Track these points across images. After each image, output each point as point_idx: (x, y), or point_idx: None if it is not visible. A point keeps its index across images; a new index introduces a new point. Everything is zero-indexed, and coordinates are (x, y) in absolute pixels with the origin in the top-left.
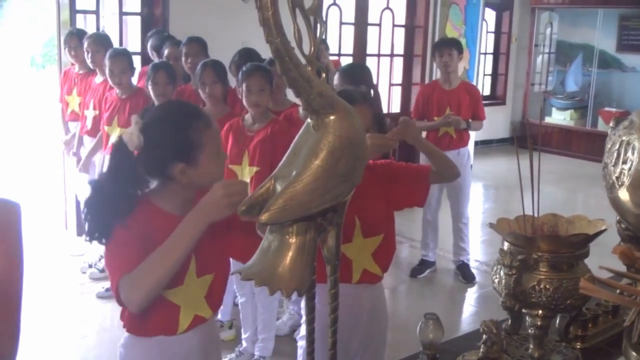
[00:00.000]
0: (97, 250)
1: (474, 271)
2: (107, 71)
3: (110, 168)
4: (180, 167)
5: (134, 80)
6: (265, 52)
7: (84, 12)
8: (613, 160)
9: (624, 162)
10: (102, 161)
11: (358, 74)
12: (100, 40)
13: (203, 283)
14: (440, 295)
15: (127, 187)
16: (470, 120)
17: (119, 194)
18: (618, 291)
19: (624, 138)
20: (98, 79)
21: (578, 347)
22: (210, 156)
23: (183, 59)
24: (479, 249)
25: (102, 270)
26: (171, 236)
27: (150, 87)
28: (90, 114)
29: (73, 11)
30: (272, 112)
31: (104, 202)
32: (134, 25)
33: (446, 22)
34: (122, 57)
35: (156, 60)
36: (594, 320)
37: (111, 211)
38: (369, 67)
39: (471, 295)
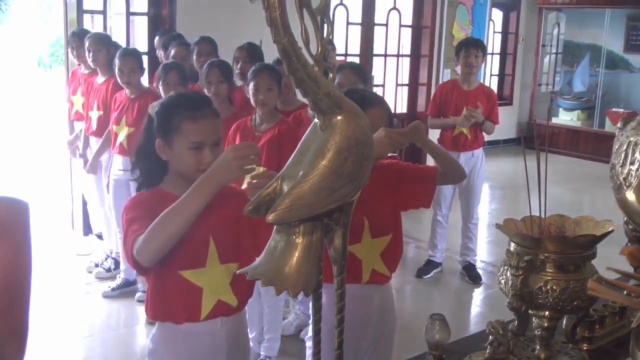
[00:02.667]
0: (103, 249)
1: (480, 272)
2: (116, 70)
3: (140, 138)
4: (159, 141)
5: (145, 82)
6: (270, 52)
7: (92, 12)
8: (620, 161)
9: (632, 163)
10: (109, 161)
11: (366, 72)
12: (102, 40)
13: (227, 270)
14: (447, 295)
15: (152, 158)
16: (485, 120)
17: (149, 161)
18: (625, 292)
19: (631, 139)
20: (100, 78)
21: (585, 348)
22: (183, 145)
23: (195, 58)
24: (485, 250)
25: (108, 270)
26: (184, 195)
27: (161, 88)
28: (94, 114)
29: (80, 11)
30: (283, 111)
31: (145, 160)
32: (141, 26)
33: (453, 22)
34: (132, 56)
35: (163, 59)
36: (601, 322)
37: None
38: None
39: (477, 296)
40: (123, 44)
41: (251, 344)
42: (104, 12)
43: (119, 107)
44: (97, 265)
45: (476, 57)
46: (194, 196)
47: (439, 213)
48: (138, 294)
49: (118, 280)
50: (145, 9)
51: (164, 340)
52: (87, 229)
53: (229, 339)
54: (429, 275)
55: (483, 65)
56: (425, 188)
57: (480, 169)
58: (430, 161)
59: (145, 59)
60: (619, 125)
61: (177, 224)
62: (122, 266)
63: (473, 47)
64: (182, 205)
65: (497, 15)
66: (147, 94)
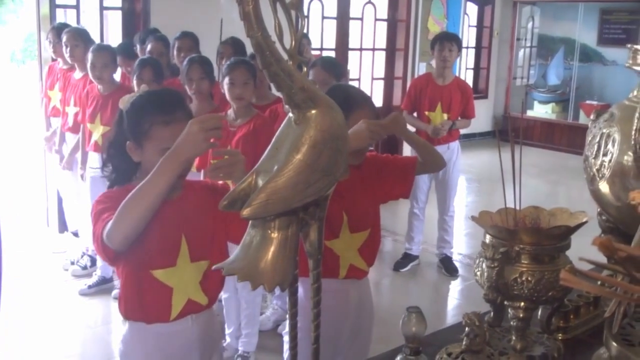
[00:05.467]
0: (79, 247)
1: (457, 264)
2: (88, 65)
3: (111, 134)
4: (130, 144)
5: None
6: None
7: (64, 6)
8: (594, 153)
9: (605, 155)
10: (84, 158)
11: (339, 67)
12: (80, 35)
13: (197, 268)
14: (424, 288)
15: (124, 154)
16: (456, 121)
17: (122, 157)
18: (599, 282)
19: (604, 130)
20: (77, 74)
21: (560, 338)
22: (155, 150)
23: (175, 53)
24: (461, 242)
25: (84, 267)
26: (151, 174)
27: (135, 82)
28: (71, 110)
29: (53, 6)
30: (257, 106)
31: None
32: (114, 20)
33: (428, 16)
34: (106, 51)
35: (139, 54)
36: (576, 312)
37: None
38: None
39: (454, 288)
40: (97, 39)
41: (229, 339)
42: (77, 7)
43: (91, 104)
44: (73, 263)
45: (450, 51)
46: (162, 174)
47: (415, 206)
48: (114, 292)
49: (94, 278)
50: (119, 4)
51: (134, 341)
52: (63, 226)
53: (201, 336)
54: (406, 269)
55: (458, 59)
56: (404, 178)
57: (456, 162)
58: (407, 151)
59: None
60: (591, 117)
61: (145, 204)
62: (99, 263)
63: (447, 41)
64: (150, 184)
65: (472, 9)
66: (121, 90)
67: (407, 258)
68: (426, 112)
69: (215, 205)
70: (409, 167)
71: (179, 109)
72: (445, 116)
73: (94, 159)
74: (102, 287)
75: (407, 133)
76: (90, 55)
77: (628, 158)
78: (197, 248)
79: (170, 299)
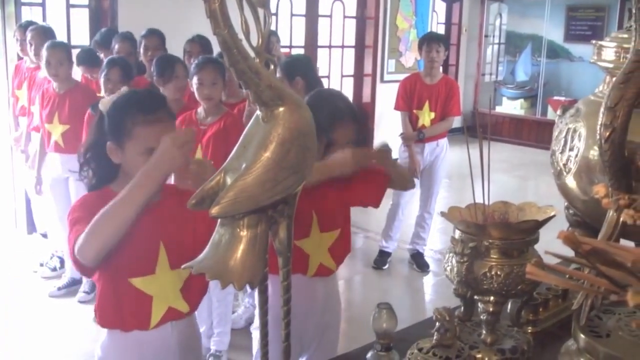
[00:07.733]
0: (48, 248)
1: (429, 260)
2: (43, 62)
3: (90, 136)
4: (110, 144)
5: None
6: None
7: (30, 4)
8: (560, 148)
9: (571, 149)
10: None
11: (297, 66)
12: (45, 33)
13: (178, 276)
14: (396, 284)
15: (103, 157)
16: (423, 131)
17: (101, 160)
18: (567, 276)
19: (570, 126)
20: (42, 73)
21: (529, 331)
22: (136, 150)
23: (142, 51)
24: (433, 238)
25: (53, 269)
26: (125, 189)
27: (102, 81)
28: (36, 109)
29: (18, 4)
30: (227, 104)
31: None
32: (81, 18)
33: (397, 13)
34: (60, 48)
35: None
36: (545, 305)
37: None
38: (310, 58)
39: (426, 283)
40: (63, 37)
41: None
42: (42, 4)
43: (48, 103)
44: (42, 265)
45: (437, 51)
46: (137, 191)
47: (398, 205)
48: (80, 295)
49: (64, 280)
50: (85, 2)
51: (113, 348)
52: (31, 227)
53: (181, 341)
54: (386, 266)
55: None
56: (377, 188)
57: (444, 158)
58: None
59: None
60: (558, 112)
61: (119, 221)
62: (68, 265)
63: (434, 41)
64: (125, 200)
65: (440, 6)
66: (78, 88)
67: (385, 255)
68: (414, 110)
69: (196, 211)
70: (381, 179)
71: (161, 109)
72: (432, 114)
73: (55, 160)
74: (72, 288)
75: (391, 164)
76: (44, 53)
77: (594, 153)
78: (177, 255)
79: (150, 308)
